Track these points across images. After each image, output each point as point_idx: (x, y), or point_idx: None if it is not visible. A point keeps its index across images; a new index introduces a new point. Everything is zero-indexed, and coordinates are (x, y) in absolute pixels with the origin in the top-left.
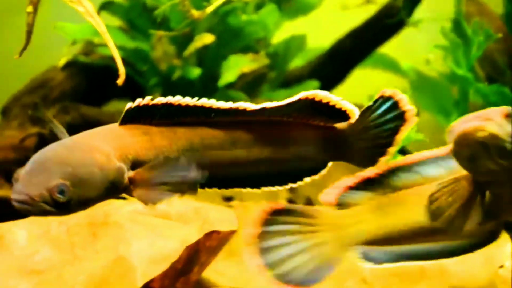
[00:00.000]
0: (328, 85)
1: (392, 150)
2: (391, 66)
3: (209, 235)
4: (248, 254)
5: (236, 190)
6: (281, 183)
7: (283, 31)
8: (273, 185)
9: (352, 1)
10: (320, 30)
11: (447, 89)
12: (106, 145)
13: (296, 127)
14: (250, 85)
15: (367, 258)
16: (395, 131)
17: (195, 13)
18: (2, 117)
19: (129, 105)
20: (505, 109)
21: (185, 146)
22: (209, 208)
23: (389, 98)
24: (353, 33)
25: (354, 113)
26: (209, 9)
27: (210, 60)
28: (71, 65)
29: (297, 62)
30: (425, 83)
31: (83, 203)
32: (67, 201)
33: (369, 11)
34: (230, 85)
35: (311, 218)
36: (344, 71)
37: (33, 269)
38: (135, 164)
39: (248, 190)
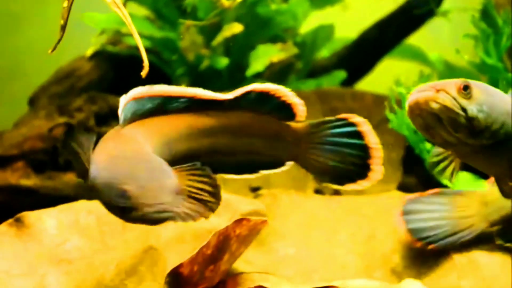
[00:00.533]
0: (355, 75)
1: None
2: (418, 56)
3: (239, 222)
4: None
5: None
6: (238, 172)
7: (309, 21)
8: (229, 173)
9: None
10: (347, 20)
11: (476, 79)
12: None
13: (251, 119)
14: (278, 75)
15: (503, 237)
16: (360, 160)
17: (225, 2)
18: (29, 107)
19: (120, 108)
20: (460, 81)
21: (160, 139)
22: (238, 200)
23: (353, 124)
24: (380, 23)
25: (299, 108)
26: None
27: (238, 50)
28: (98, 55)
29: (324, 53)
30: (454, 73)
31: None
32: None
33: (398, 1)
34: (258, 75)
35: (458, 195)
36: (371, 61)
37: (63, 257)
38: None
39: None
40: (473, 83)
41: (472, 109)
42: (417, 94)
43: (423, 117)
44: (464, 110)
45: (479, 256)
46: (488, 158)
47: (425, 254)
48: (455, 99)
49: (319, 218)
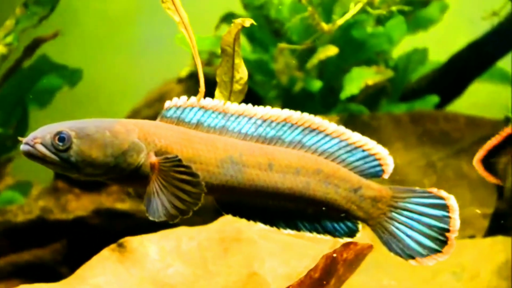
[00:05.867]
0: (445, 99)
1: None
2: (507, 79)
3: (347, 246)
4: None
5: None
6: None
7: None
8: (298, 229)
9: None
10: (438, 43)
11: None
12: (132, 125)
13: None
14: (371, 98)
15: None
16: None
17: (325, 26)
18: None
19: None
20: None
21: (223, 157)
22: None
23: (439, 197)
24: (472, 45)
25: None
26: (340, 21)
27: (331, 72)
28: (190, 78)
29: (415, 76)
30: None
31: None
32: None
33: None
34: (351, 98)
35: None
36: (462, 84)
37: (166, 282)
38: (162, 153)
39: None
40: None
41: None
42: None
43: None
44: None
45: None
46: None
47: None
48: None
49: None
